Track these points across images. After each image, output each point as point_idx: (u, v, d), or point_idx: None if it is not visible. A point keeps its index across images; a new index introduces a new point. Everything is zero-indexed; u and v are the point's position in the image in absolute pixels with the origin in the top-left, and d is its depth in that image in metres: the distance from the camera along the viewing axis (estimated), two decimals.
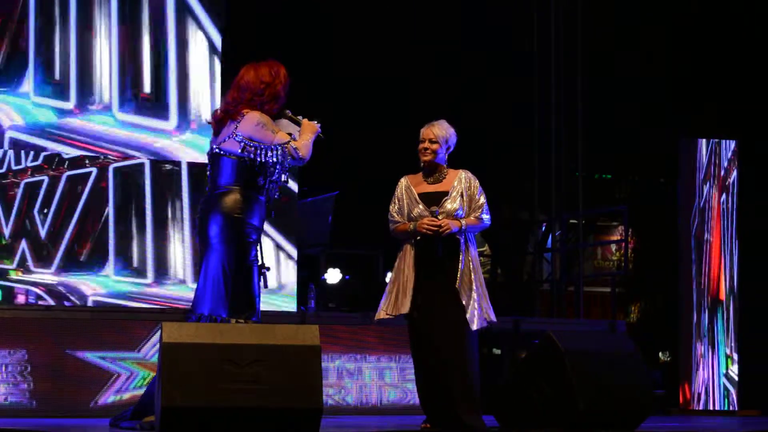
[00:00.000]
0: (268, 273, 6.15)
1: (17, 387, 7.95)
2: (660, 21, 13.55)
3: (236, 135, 6.04)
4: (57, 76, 9.33)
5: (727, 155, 11.00)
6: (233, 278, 5.98)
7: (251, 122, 6.03)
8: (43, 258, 9.20)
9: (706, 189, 10.92)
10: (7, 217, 9.17)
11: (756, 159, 12.00)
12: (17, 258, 9.14)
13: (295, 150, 6.03)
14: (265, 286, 6.17)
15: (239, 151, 6.02)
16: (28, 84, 9.22)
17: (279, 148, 6.02)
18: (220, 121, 6.16)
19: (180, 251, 9.40)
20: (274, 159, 6.02)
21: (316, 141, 6.19)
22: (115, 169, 9.39)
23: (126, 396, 8.12)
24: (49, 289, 9.18)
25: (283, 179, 6.13)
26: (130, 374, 8.18)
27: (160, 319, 7.84)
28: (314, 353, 5.25)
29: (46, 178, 9.29)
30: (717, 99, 13.26)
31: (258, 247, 6.10)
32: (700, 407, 10.63)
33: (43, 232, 9.23)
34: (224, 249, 5.97)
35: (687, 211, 10.92)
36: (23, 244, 9.17)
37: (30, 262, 9.16)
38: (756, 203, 11.97)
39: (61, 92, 9.31)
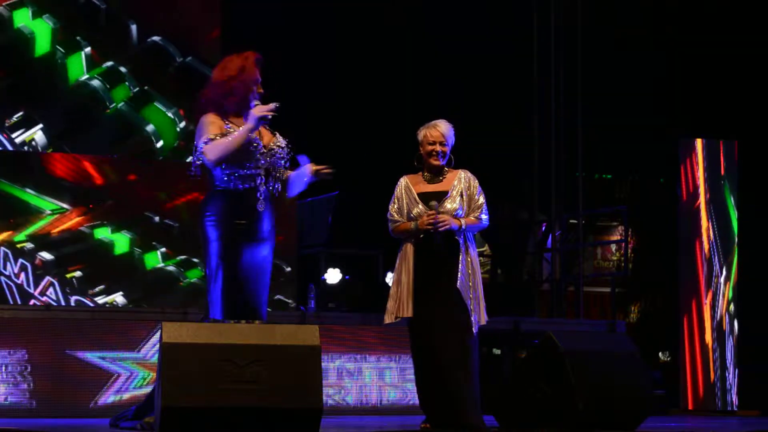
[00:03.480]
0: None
1: (17, 387, 7.95)
2: (660, 21, 13.54)
3: None
4: None
5: (727, 154, 11.00)
6: (212, 279, 5.84)
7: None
8: None
9: (706, 187, 10.91)
10: None
11: (756, 159, 12.00)
12: None
13: (201, 153, 5.77)
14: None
15: None
16: None
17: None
18: None
19: None
20: (197, 162, 5.84)
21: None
22: None
23: (126, 396, 8.12)
24: None
25: (243, 171, 5.80)
26: (130, 374, 8.17)
27: (160, 319, 7.85)
28: (314, 353, 5.24)
29: None
30: (717, 99, 13.25)
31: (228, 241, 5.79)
32: (701, 407, 10.62)
33: None
34: (204, 251, 5.90)
35: (687, 211, 10.91)
36: None
37: None
38: (756, 203, 11.97)
39: None
